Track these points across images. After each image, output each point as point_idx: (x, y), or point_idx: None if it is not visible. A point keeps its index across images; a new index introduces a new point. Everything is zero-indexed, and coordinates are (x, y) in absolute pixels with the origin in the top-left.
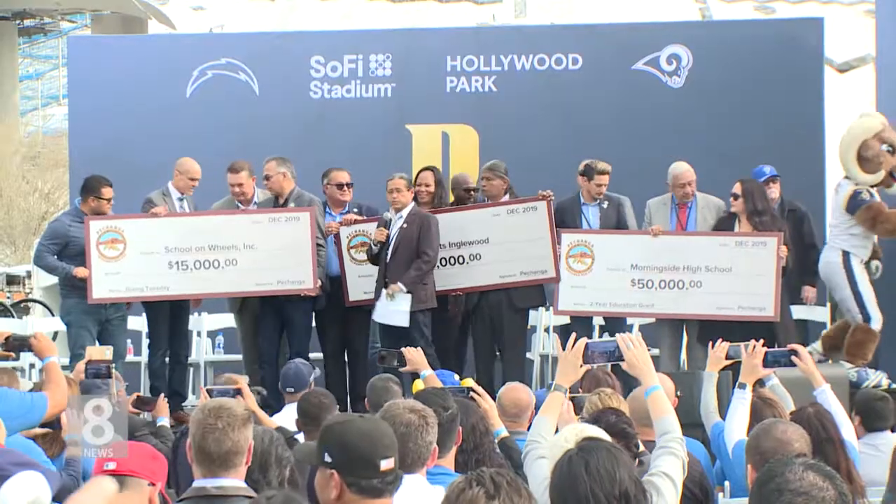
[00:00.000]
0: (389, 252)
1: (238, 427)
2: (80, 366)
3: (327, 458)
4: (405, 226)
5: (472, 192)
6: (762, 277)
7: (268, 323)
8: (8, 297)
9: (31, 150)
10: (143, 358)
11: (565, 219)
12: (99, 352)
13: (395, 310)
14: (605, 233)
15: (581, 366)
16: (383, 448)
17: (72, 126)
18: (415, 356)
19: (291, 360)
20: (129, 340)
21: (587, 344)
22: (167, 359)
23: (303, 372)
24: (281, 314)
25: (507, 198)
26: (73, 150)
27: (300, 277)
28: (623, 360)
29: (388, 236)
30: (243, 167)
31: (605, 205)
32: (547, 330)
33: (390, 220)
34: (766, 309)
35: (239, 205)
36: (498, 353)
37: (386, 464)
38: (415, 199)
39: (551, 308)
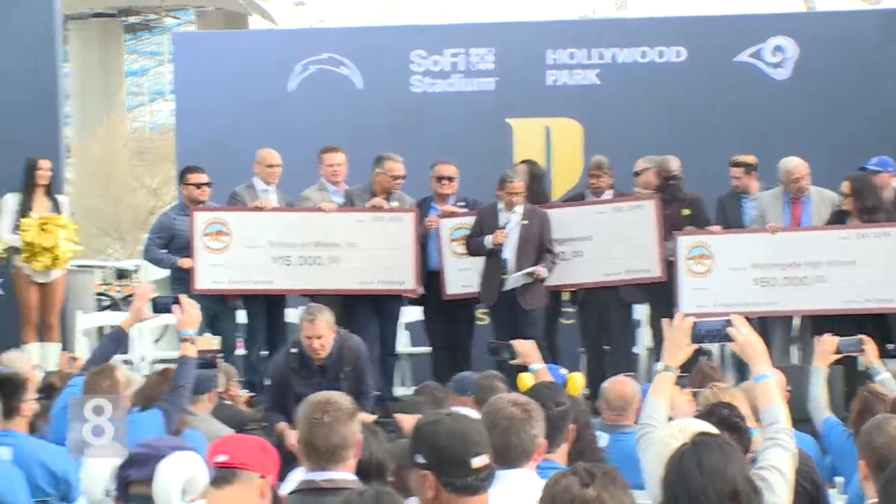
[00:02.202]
0: (513, 249)
1: (345, 421)
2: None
3: (420, 460)
4: (525, 222)
5: (672, 182)
6: (887, 268)
7: (364, 316)
8: (118, 291)
9: (138, 146)
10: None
11: (726, 213)
12: (206, 341)
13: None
14: (723, 233)
15: (688, 345)
16: (474, 445)
17: (179, 121)
18: (526, 348)
19: (388, 356)
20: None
21: (695, 323)
22: (264, 352)
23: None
24: (378, 308)
25: (610, 194)
26: (179, 145)
27: (401, 278)
28: (731, 341)
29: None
30: (340, 148)
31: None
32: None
33: (507, 222)
34: (894, 300)
35: (328, 186)
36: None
37: (478, 461)
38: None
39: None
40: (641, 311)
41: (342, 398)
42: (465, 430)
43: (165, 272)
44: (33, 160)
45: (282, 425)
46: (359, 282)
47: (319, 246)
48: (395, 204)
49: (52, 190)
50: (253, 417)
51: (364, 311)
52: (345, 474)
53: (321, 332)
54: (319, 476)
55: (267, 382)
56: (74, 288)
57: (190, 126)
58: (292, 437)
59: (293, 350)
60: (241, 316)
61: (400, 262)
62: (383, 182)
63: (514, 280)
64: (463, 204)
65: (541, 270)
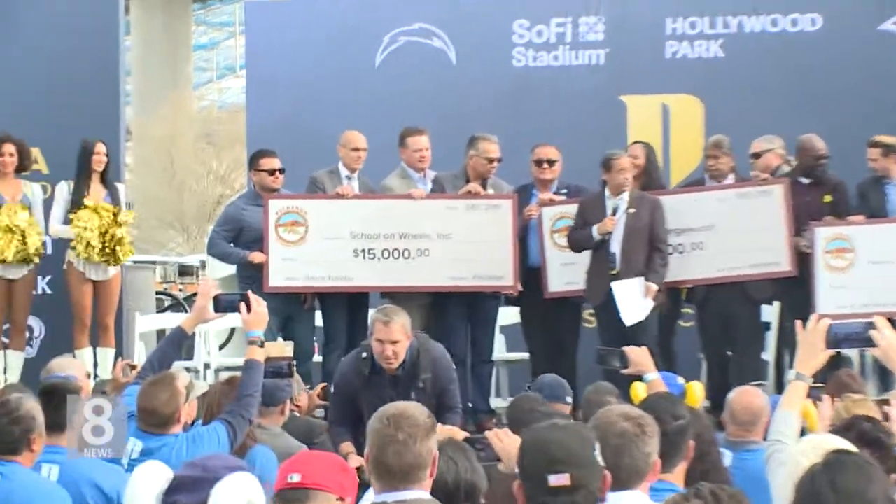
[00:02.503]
0: (619, 242)
1: (421, 438)
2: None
3: (516, 469)
4: (632, 210)
5: (822, 162)
6: None
7: (455, 317)
8: (181, 290)
9: (205, 127)
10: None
11: (869, 200)
12: (278, 348)
13: (646, 307)
14: (866, 223)
15: (824, 350)
16: (554, 462)
17: (249, 99)
18: (639, 356)
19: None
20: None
21: (831, 325)
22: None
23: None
24: (471, 308)
25: (731, 179)
26: (250, 127)
27: (499, 273)
28: (873, 346)
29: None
30: (426, 131)
31: None
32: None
33: (616, 208)
34: None
35: (412, 173)
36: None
37: (555, 479)
38: None
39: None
40: (771, 312)
41: (418, 411)
42: (550, 443)
43: (232, 269)
44: (88, 143)
45: (346, 447)
46: (450, 277)
47: (407, 237)
48: (490, 191)
49: (108, 177)
50: (324, 428)
51: (455, 310)
52: (418, 493)
53: (396, 337)
54: (391, 497)
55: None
56: (132, 286)
57: (262, 105)
58: (356, 462)
59: (363, 355)
60: (319, 318)
61: (497, 254)
62: (477, 166)
63: (635, 309)
64: (566, 192)
65: (651, 289)
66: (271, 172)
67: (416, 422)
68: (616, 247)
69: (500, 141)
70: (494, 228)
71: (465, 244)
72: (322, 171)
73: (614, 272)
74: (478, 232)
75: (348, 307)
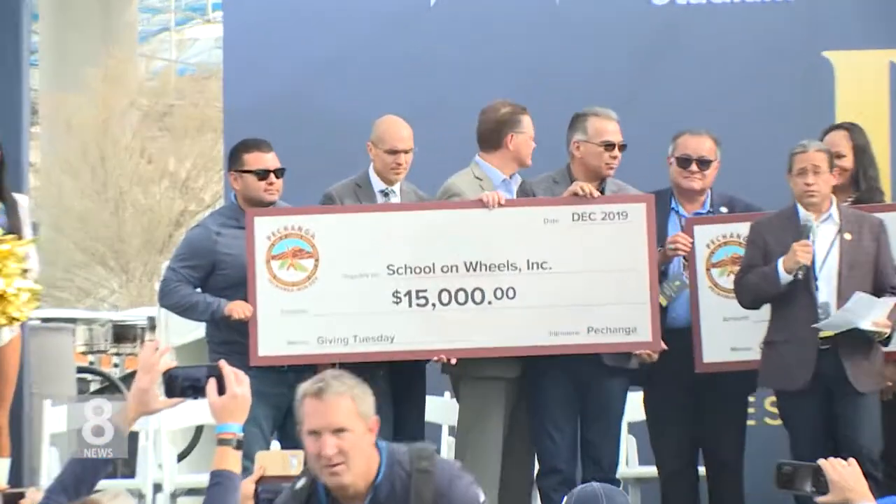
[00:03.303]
0: (832, 284)
1: None
2: (248, 486)
3: None
4: (847, 236)
5: None
6: None
7: (555, 401)
8: (116, 365)
9: (156, 104)
10: None
11: None
12: (279, 461)
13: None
14: None
15: None
16: None
17: (228, 60)
18: (844, 475)
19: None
20: None
21: None
22: None
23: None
24: (579, 384)
25: None
26: (229, 103)
27: (628, 323)
28: None
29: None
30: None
31: None
32: None
33: (808, 226)
34: None
35: (492, 174)
36: None
37: None
38: None
39: None
40: None
41: None
42: None
43: (200, 330)
44: None
45: None
46: (551, 332)
47: (478, 270)
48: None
49: (2, 183)
50: None
51: (557, 390)
52: None
53: (338, 421)
54: None
55: None
56: (40, 358)
57: (248, 70)
58: None
59: (299, 483)
60: None
61: (625, 292)
62: (588, 156)
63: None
64: (726, 210)
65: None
66: (263, 175)
67: None
68: (828, 292)
69: (629, 115)
70: (620, 251)
71: (572, 278)
72: (343, 184)
73: (826, 335)
74: (593, 257)
75: (392, 387)
